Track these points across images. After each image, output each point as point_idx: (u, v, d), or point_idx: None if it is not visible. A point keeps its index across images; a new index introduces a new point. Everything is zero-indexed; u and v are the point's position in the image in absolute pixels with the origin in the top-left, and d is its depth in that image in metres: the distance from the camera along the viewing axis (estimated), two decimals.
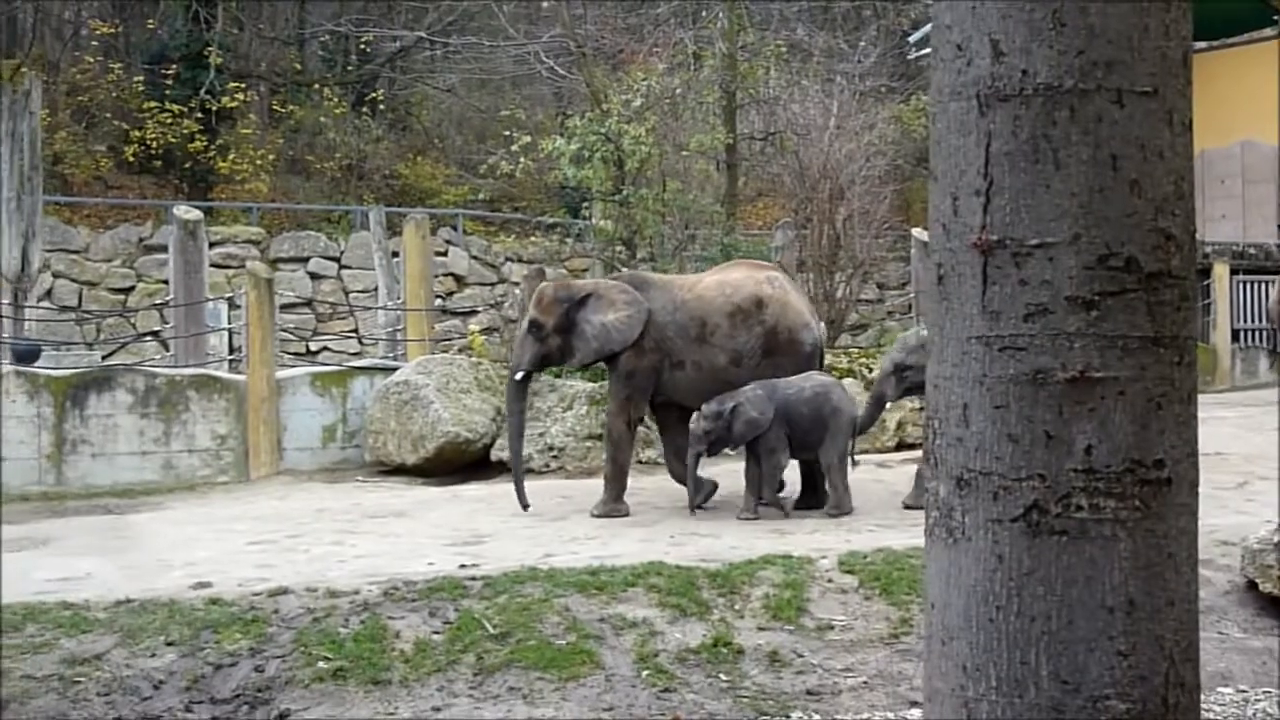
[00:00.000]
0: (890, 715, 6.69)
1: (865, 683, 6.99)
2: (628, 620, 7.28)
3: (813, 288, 16.44)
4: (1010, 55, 2.14)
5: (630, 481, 10.99)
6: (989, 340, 2.12)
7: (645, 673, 6.93)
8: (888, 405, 10.53)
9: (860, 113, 17.65)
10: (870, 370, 13.63)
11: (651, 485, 10.34)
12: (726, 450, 10.00)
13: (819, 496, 9.88)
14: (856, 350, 15.12)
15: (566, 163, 14.14)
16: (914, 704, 6.80)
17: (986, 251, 2.14)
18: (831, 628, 7.40)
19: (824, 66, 18.48)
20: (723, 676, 6.97)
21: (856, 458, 9.97)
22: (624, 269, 15.22)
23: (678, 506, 9.91)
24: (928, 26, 23.97)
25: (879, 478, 10.90)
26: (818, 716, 6.64)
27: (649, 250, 14.74)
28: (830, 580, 7.83)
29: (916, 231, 20.24)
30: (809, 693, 6.90)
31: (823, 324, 10.58)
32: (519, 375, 10.05)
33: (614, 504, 9.91)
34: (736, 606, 7.52)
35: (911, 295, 20.30)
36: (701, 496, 9.90)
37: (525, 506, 10.00)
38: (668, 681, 6.89)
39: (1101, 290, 2.09)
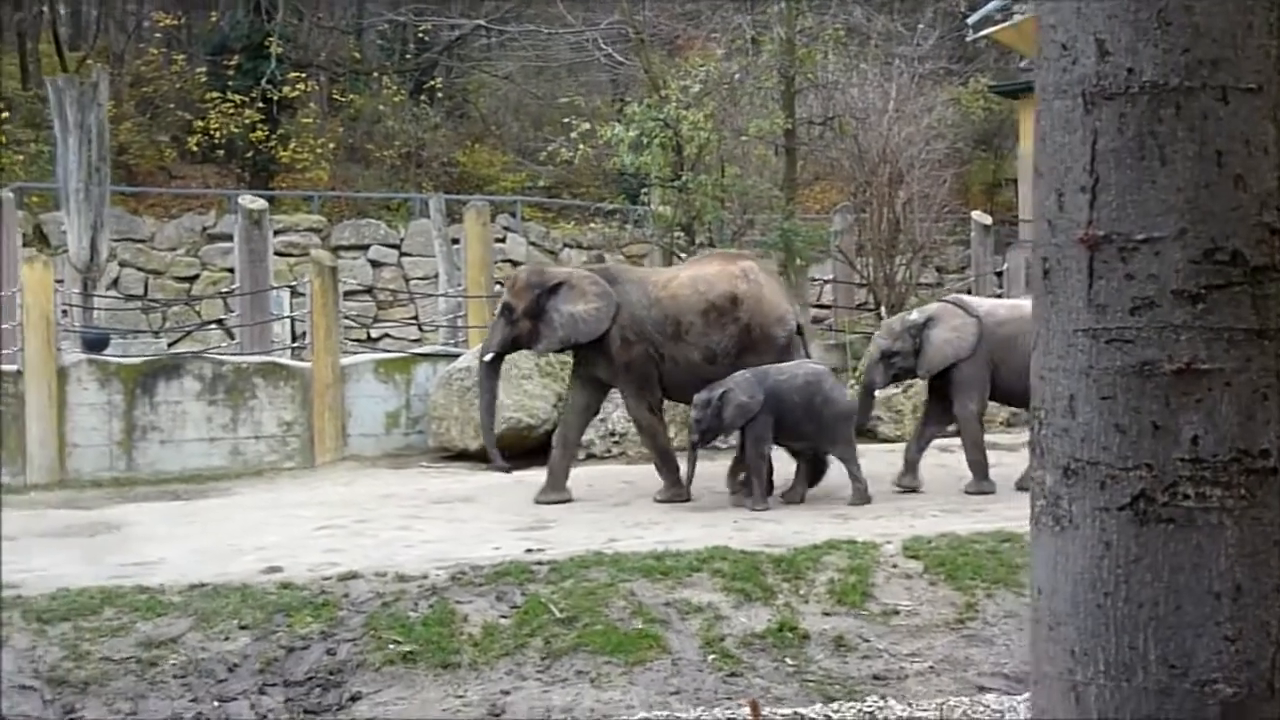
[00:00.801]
0: (966, 700, 6.69)
1: (932, 668, 6.99)
2: (693, 605, 7.33)
3: (872, 272, 16.38)
4: (1116, 54, 2.18)
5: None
6: (1095, 333, 2.17)
7: (711, 657, 6.97)
8: (876, 393, 10.59)
9: (919, 96, 17.52)
10: None
11: (712, 472, 10.35)
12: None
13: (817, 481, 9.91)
14: None
15: (625, 149, 14.14)
16: (981, 689, 6.81)
17: (1093, 247, 2.18)
18: (897, 613, 7.41)
19: (882, 50, 18.39)
20: (789, 661, 7.00)
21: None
22: (684, 255, 15.26)
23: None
24: (987, 7, 23.74)
25: (942, 462, 10.86)
26: (885, 701, 6.65)
27: (708, 235, 14.74)
28: (895, 565, 7.83)
29: (976, 214, 20.07)
30: (875, 677, 6.92)
31: (799, 312, 10.56)
32: (488, 357, 10.21)
33: (674, 488, 9.96)
34: (801, 591, 7.54)
35: (971, 279, 20.14)
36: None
37: (507, 470, 10.35)
38: (734, 666, 6.93)
39: (1207, 284, 2.15)
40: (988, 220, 19.85)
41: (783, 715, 6.43)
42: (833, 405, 9.52)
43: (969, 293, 20.45)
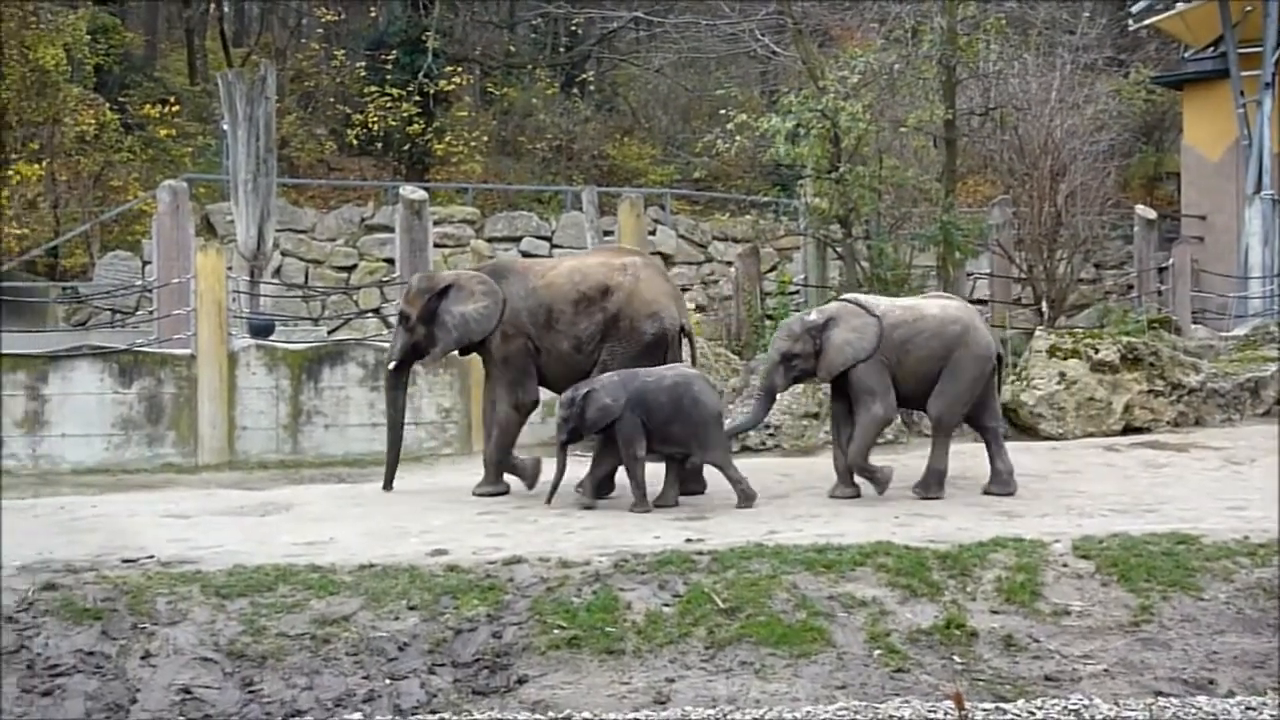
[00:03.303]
0: (1175, 701, 6.51)
1: (1106, 670, 6.81)
2: (857, 599, 7.25)
3: (1031, 267, 16.07)
4: None
5: None
6: None
7: (877, 652, 6.89)
8: (778, 396, 10.30)
9: (1081, 86, 17.11)
10: (1096, 352, 13.25)
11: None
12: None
13: (697, 485, 9.73)
14: (1081, 330, 14.67)
15: (781, 140, 14.06)
16: (1159, 694, 6.60)
17: None
18: (1068, 613, 7.23)
19: (1044, 39, 17.98)
20: (956, 659, 6.88)
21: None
22: (838, 248, 15.12)
23: (898, 488, 9.79)
24: None
25: (1109, 461, 10.61)
26: (1090, 700, 6.50)
27: (864, 227, 14.58)
28: (1065, 565, 7.65)
29: (1141, 209, 19.53)
30: (1047, 678, 6.76)
31: (682, 311, 10.25)
32: (391, 366, 10.37)
33: (495, 485, 10.10)
34: (968, 588, 7.41)
35: (1132, 274, 19.62)
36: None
37: (388, 487, 10.28)
38: (900, 661, 6.83)
39: None
40: (1152, 215, 19.31)
41: (984, 711, 6.32)
42: (702, 408, 9.27)
43: (1130, 290, 19.97)
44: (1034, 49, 16.99)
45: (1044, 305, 15.58)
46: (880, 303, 10.00)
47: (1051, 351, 13.31)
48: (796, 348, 9.79)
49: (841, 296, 10.59)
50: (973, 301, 17.91)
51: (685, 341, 10.18)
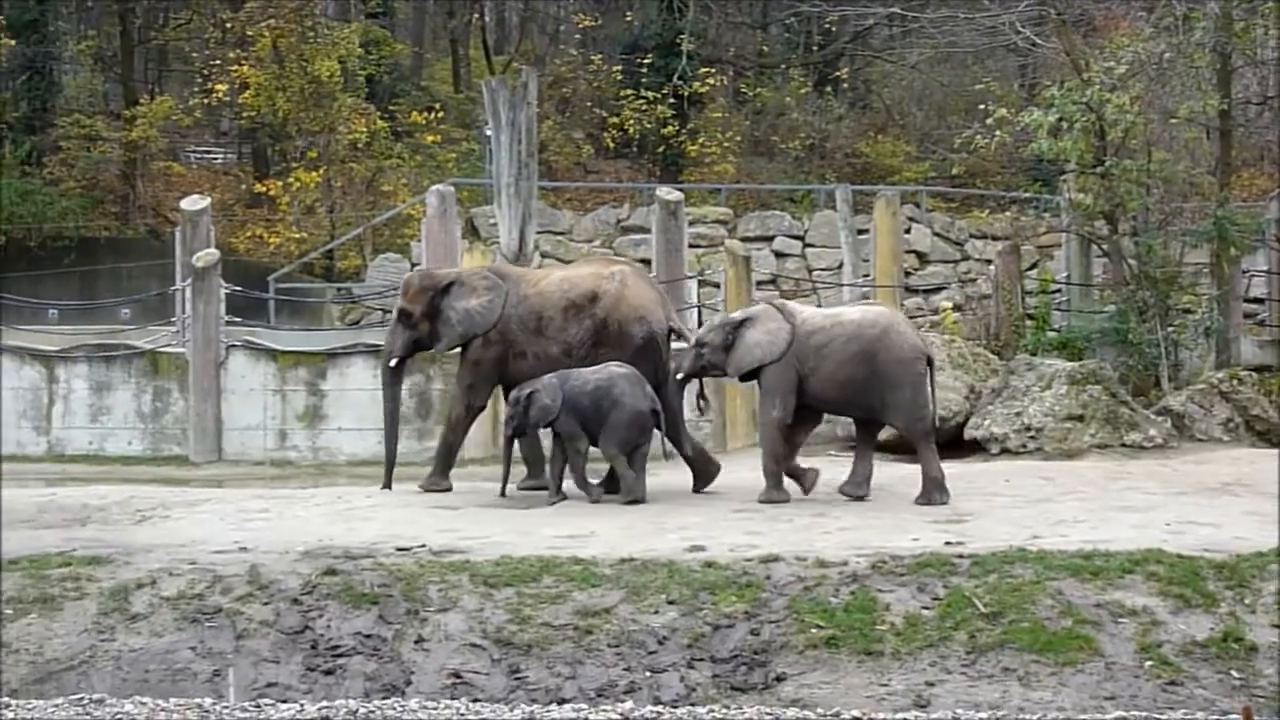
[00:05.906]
0: None
1: None
2: (1126, 608, 7.02)
3: None
4: None
5: (1113, 465, 10.58)
6: None
7: (1148, 663, 6.66)
8: (685, 378, 10.27)
9: None
10: None
11: (1140, 470, 9.89)
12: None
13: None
14: None
15: (1043, 134, 13.68)
16: None
17: None
18: None
19: None
20: (1234, 674, 6.60)
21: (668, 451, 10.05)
22: (1103, 245, 14.62)
23: (1173, 492, 9.42)
24: None
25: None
26: None
27: (1131, 224, 14.03)
28: None
29: None
30: None
31: (669, 314, 10.46)
32: (392, 362, 10.61)
33: (441, 481, 10.40)
34: (1246, 600, 7.09)
35: None
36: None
37: (387, 486, 10.51)
38: (1173, 674, 6.60)
39: None
40: None
41: None
42: (620, 410, 9.62)
43: None
44: None
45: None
46: (802, 310, 10.16)
47: None
48: (708, 337, 10.11)
49: (770, 301, 10.74)
50: (1248, 300, 17.07)
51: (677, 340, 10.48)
